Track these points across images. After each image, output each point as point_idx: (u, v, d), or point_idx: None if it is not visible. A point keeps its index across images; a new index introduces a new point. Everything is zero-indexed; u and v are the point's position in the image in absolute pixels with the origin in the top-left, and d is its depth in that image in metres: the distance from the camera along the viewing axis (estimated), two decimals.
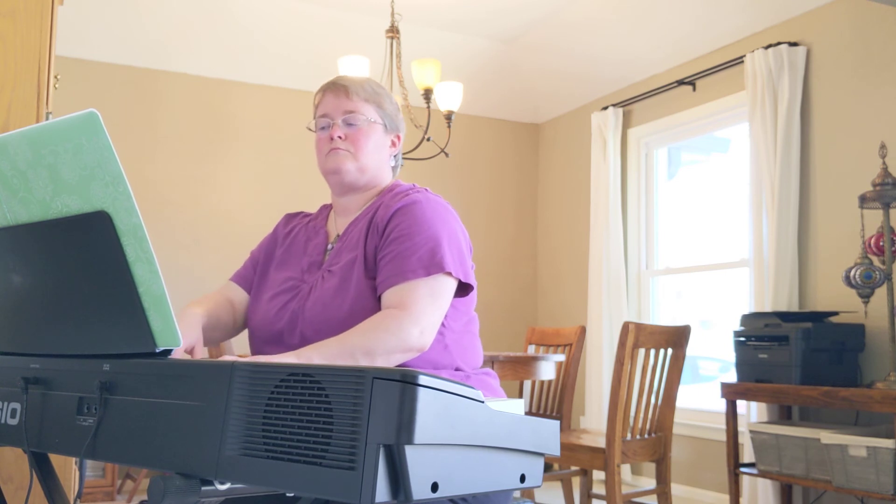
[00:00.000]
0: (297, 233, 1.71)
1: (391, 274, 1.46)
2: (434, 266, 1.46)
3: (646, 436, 2.98)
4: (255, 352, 1.62)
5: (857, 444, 2.97)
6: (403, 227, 1.50)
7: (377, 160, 1.64)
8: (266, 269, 1.69)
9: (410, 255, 1.46)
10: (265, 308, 1.59)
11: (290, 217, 1.80)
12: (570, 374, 3.62)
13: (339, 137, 1.60)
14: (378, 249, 1.51)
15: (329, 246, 1.63)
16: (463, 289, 1.55)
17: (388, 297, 1.45)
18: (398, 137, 1.70)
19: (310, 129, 1.68)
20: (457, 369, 1.55)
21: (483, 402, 0.95)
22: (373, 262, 1.51)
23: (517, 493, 2.46)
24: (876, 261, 3.21)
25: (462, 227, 1.61)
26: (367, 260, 1.51)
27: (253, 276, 1.71)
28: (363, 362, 1.34)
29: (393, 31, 3.92)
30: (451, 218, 1.58)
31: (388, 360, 1.37)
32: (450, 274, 1.47)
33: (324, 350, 1.34)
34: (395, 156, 1.71)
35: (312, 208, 1.84)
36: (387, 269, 1.47)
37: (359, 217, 1.62)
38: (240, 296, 1.70)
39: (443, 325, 1.52)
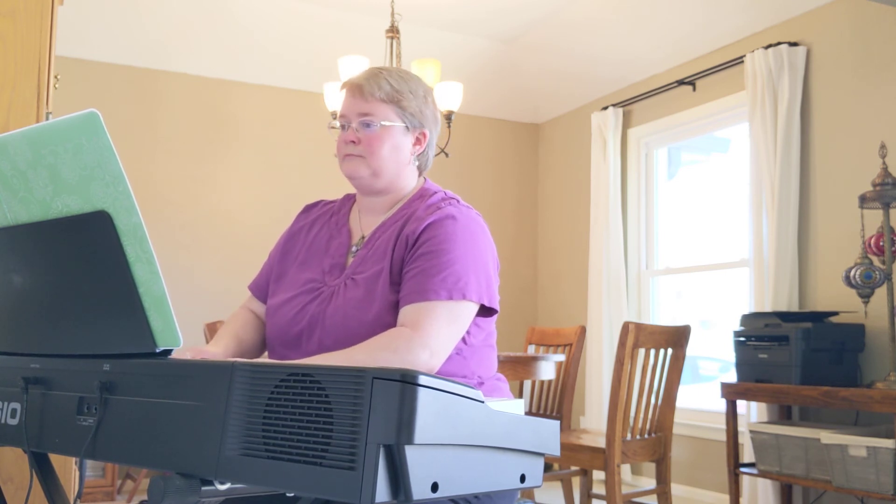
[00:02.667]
0: (319, 228, 1.66)
1: (412, 291, 1.42)
2: (457, 291, 1.42)
3: (646, 436, 2.98)
4: (272, 354, 1.59)
5: (857, 444, 2.97)
6: (433, 243, 1.46)
7: (394, 164, 1.57)
8: (285, 267, 1.64)
9: (435, 275, 1.42)
10: (284, 309, 1.55)
11: (308, 208, 1.74)
12: (570, 374, 3.62)
13: (353, 142, 1.55)
14: (405, 262, 1.47)
15: (353, 248, 1.59)
16: (487, 309, 1.51)
17: (405, 313, 1.42)
18: (423, 135, 1.60)
19: (332, 128, 1.64)
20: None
21: (483, 402, 0.95)
22: (398, 276, 1.47)
23: (517, 494, 2.46)
24: (876, 261, 3.21)
25: (491, 244, 1.56)
26: (393, 273, 1.47)
27: (267, 284, 1.67)
28: None
29: (393, 31, 3.92)
30: (482, 236, 1.53)
31: None
32: (472, 300, 1.44)
33: (329, 363, 1.33)
34: (420, 154, 1.62)
35: None
36: (409, 285, 1.43)
37: (386, 222, 1.57)
38: (261, 308, 1.68)
39: (463, 341, 1.49)
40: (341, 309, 1.47)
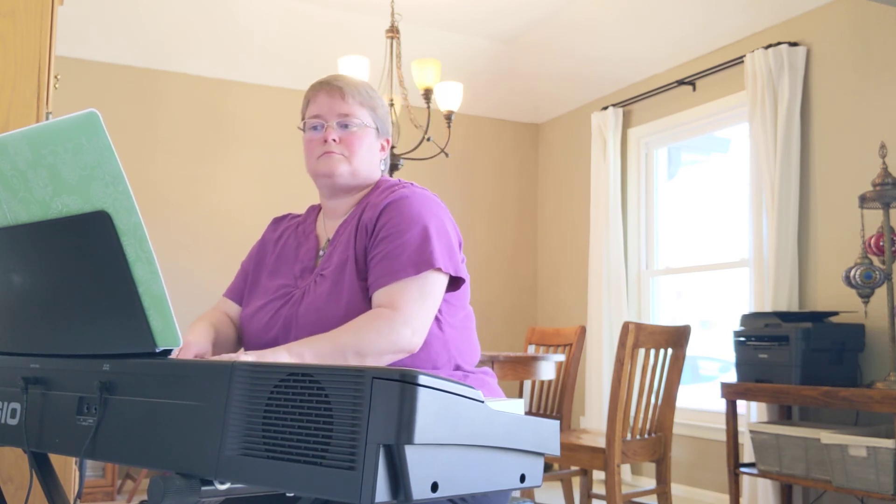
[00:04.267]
0: (286, 238, 1.70)
1: (382, 274, 1.45)
2: (423, 263, 1.45)
3: (646, 436, 2.98)
4: None
5: (857, 444, 2.97)
6: (392, 224, 1.49)
7: (369, 164, 1.63)
8: (257, 276, 1.68)
9: (400, 254, 1.46)
10: (258, 316, 1.58)
11: (277, 221, 1.78)
12: (570, 374, 3.62)
13: (334, 140, 1.58)
14: (368, 249, 1.50)
15: (320, 252, 1.62)
16: (455, 282, 1.54)
17: (378, 296, 1.45)
18: (387, 141, 1.69)
19: (300, 129, 1.66)
20: (456, 368, 1.55)
21: (483, 402, 0.95)
22: (363, 263, 1.50)
23: (517, 493, 2.47)
24: (876, 261, 3.21)
25: (451, 219, 1.59)
26: (358, 261, 1.50)
27: (244, 288, 1.70)
28: (353, 362, 1.34)
29: (393, 31, 3.92)
30: (440, 210, 1.56)
31: (378, 361, 1.37)
32: (440, 270, 1.47)
33: (315, 347, 1.34)
34: (383, 160, 1.69)
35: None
36: (377, 269, 1.46)
37: (347, 219, 1.61)
38: (234, 309, 1.70)
39: (439, 321, 1.51)
40: (313, 305, 1.49)
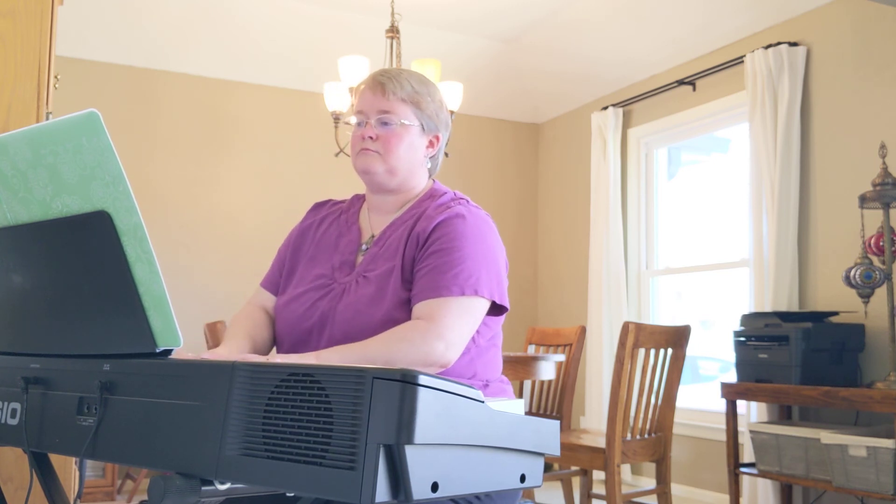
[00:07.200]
0: (327, 226, 1.68)
1: (425, 287, 1.44)
2: (469, 287, 1.44)
3: (646, 436, 2.98)
4: (281, 349, 1.59)
5: (857, 444, 2.97)
6: (444, 241, 1.48)
7: (409, 163, 1.59)
8: (294, 264, 1.65)
9: (447, 272, 1.44)
10: (294, 305, 1.55)
11: (318, 206, 1.76)
12: (570, 374, 3.62)
13: (371, 138, 1.56)
14: (416, 261, 1.49)
15: (363, 246, 1.60)
16: (497, 308, 1.53)
17: (418, 309, 1.43)
18: (437, 138, 1.63)
19: (348, 123, 1.66)
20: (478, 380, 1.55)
21: (483, 402, 0.95)
22: (410, 273, 1.49)
23: (519, 494, 2.46)
24: (876, 261, 3.21)
25: (500, 243, 1.58)
26: (405, 270, 1.49)
27: (279, 278, 1.68)
28: None
29: (393, 31, 3.92)
30: (491, 235, 1.55)
31: None
32: (483, 296, 1.46)
33: (344, 354, 1.33)
34: (432, 157, 1.65)
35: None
36: (422, 282, 1.45)
37: (396, 221, 1.59)
38: (272, 302, 1.67)
39: (472, 340, 1.50)
40: (352, 305, 1.48)
